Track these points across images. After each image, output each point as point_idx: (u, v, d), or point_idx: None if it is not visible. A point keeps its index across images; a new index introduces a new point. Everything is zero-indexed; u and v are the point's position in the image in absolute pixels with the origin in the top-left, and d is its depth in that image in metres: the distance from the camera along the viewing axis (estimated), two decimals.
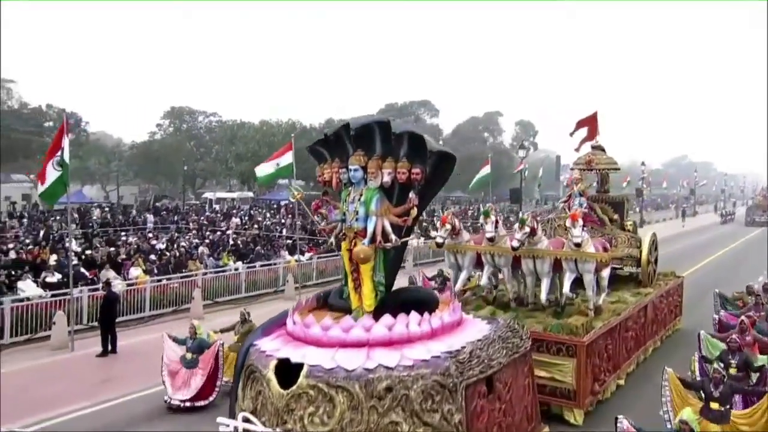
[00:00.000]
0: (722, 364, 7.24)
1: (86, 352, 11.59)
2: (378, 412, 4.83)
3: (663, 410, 6.94)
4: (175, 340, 8.91)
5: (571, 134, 13.40)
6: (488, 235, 8.90)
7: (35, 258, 17.49)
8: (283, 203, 39.29)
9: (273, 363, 5.23)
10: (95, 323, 12.57)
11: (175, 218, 34.31)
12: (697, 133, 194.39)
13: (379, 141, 5.69)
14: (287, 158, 16.04)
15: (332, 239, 6.10)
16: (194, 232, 27.50)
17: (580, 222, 8.61)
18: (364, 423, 4.79)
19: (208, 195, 50.90)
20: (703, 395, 6.82)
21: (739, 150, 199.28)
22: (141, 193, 55.93)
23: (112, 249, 19.42)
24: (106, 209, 36.57)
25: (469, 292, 10.38)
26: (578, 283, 9.11)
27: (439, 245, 9.25)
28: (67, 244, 15.24)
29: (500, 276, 9.75)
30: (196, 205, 46.54)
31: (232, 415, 5.46)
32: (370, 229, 5.57)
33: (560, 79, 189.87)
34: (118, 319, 12.58)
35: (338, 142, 6.00)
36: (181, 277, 16.24)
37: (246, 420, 5.02)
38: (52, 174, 11.37)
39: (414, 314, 5.53)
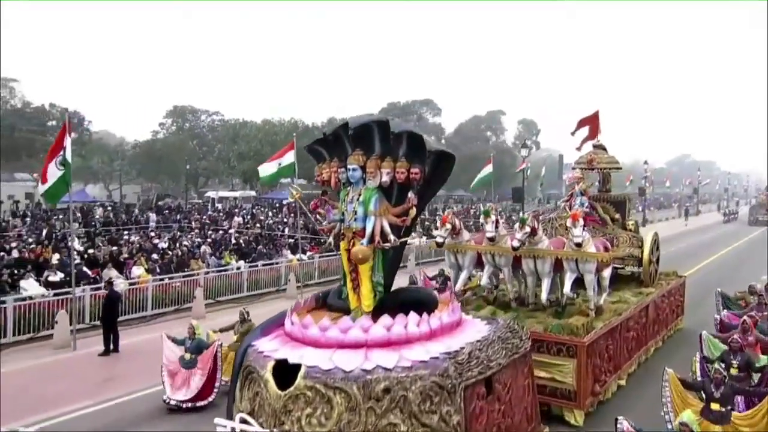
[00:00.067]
0: (723, 365, 7.20)
1: (88, 351, 11.62)
2: (376, 413, 4.80)
3: (664, 410, 6.92)
4: (173, 340, 8.91)
5: (573, 133, 13.37)
6: (488, 234, 8.88)
7: (38, 257, 17.57)
8: (285, 202, 39.29)
9: (271, 364, 5.20)
10: (97, 322, 12.60)
11: (178, 217, 34.39)
12: (700, 131, 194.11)
13: (378, 140, 5.65)
14: (289, 157, 16.05)
15: (331, 239, 6.06)
16: (196, 231, 27.54)
17: (581, 222, 8.58)
18: (361, 424, 4.75)
19: (211, 194, 50.98)
20: (703, 396, 6.79)
21: (743, 149, 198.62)
22: (144, 192, 56.04)
23: (115, 248, 19.47)
24: (109, 208, 36.67)
25: (469, 292, 10.36)
26: (579, 283, 9.09)
27: (440, 245, 9.25)
28: (69, 243, 15.27)
29: (501, 276, 9.73)
30: (199, 204, 46.63)
31: (230, 416, 5.43)
32: (368, 229, 5.53)
33: (563, 78, 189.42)
34: (120, 318, 12.62)
35: (337, 141, 5.96)
36: (183, 276, 16.28)
37: (243, 421, 4.99)
38: (54, 173, 11.40)
39: (413, 315, 5.49)
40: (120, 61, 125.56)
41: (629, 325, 9.82)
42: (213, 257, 19.61)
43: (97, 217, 31.26)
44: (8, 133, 38.63)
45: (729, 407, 6.56)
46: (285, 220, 31.76)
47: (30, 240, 21.33)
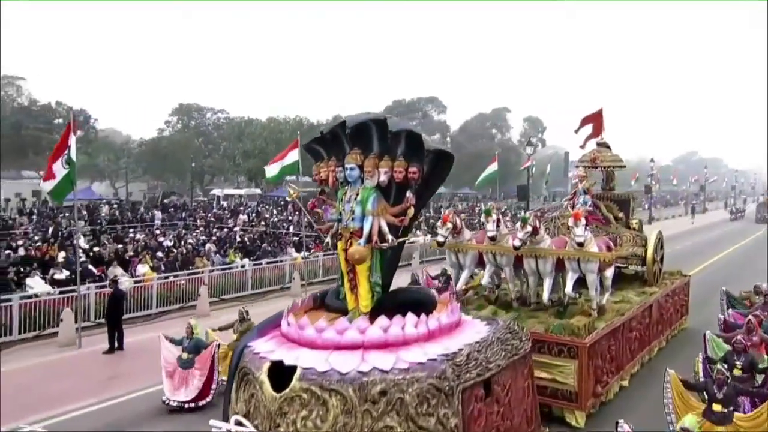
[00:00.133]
0: (726, 366, 7.13)
1: (93, 349, 11.69)
2: (372, 416, 4.75)
3: (665, 411, 6.87)
4: (171, 340, 8.91)
5: (576, 131, 13.27)
6: (490, 234, 8.83)
7: (44, 255, 17.70)
8: (289, 200, 39.36)
9: (266, 365, 5.16)
10: (102, 320, 12.64)
11: (183, 215, 34.51)
12: (707, 129, 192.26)
13: (376, 139, 5.58)
14: (293, 155, 16.09)
15: (328, 239, 6.01)
16: (201, 229, 27.64)
17: (583, 221, 8.51)
18: (357, 427, 4.71)
19: (216, 192, 51.20)
20: (706, 397, 6.74)
21: (751, 146, 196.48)
22: (150, 190, 56.26)
23: (120, 246, 19.58)
24: (115, 206, 36.84)
25: (471, 292, 10.31)
26: (582, 283, 9.03)
27: (440, 244, 9.20)
28: (75, 241, 15.38)
29: (502, 275, 9.68)
30: (204, 201, 46.80)
31: (226, 418, 5.40)
32: (366, 229, 5.47)
33: (569, 75, 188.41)
34: (125, 316, 12.66)
35: (335, 140, 5.88)
36: (188, 274, 16.32)
37: (238, 423, 4.96)
38: (59, 172, 11.48)
39: (410, 316, 5.43)
40: (126, 60, 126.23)
41: (632, 325, 9.73)
42: (218, 255, 19.68)
43: (103, 215, 31.40)
44: (15, 131, 38.95)
45: (731, 408, 6.50)
46: (290, 218, 31.82)
47: (36, 238, 21.49)
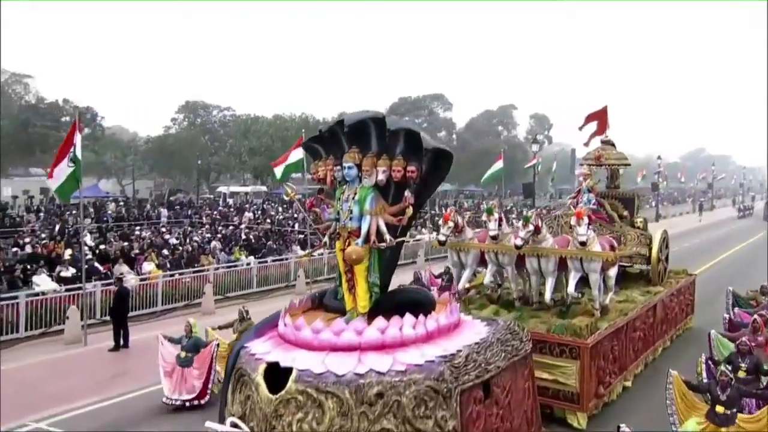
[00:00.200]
0: (730, 367, 7.05)
1: (99, 346, 11.75)
2: (368, 418, 4.70)
3: (668, 412, 6.81)
4: (170, 340, 8.92)
5: (581, 128, 13.17)
6: (492, 233, 8.78)
7: (50, 252, 17.81)
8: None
9: (262, 367, 5.12)
10: (108, 318, 12.73)
11: (189, 212, 34.61)
12: (715, 126, 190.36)
13: (375, 137, 5.52)
14: (298, 153, 16.08)
15: (326, 238, 5.96)
16: (207, 226, 27.71)
17: (586, 220, 8.42)
18: (354, 430, 4.66)
19: (222, 189, 51.34)
20: (709, 398, 6.67)
21: (759, 143, 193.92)
22: (156, 187, 56.53)
23: (126, 243, 19.68)
24: (121, 203, 37.03)
25: (473, 291, 10.25)
26: (585, 282, 8.96)
27: (442, 243, 9.16)
28: (81, 239, 15.47)
29: (504, 274, 9.62)
30: (210, 199, 46.95)
31: (222, 419, 5.37)
32: (364, 229, 5.42)
33: (576, 73, 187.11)
34: (130, 314, 12.74)
35: (333, 138, 5.83)
36: (194, 272, 16.39)
37: (234, 425, 4.93)
38: (65, 170, 11.55)
39: (408, 317, 5.37)
40: (132, 58, 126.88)
41: (636, 325, 9.63)
42: (223, 253, 19.74)
43: (109, 212, 31.56)
44: (23, 129, 39.21)
45: (734, 410, 6.43)
46: (295, 215, 31.82)
47: (43, 235, 21.61)
